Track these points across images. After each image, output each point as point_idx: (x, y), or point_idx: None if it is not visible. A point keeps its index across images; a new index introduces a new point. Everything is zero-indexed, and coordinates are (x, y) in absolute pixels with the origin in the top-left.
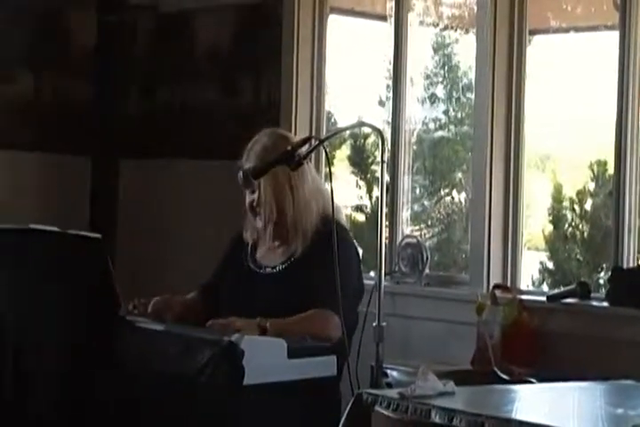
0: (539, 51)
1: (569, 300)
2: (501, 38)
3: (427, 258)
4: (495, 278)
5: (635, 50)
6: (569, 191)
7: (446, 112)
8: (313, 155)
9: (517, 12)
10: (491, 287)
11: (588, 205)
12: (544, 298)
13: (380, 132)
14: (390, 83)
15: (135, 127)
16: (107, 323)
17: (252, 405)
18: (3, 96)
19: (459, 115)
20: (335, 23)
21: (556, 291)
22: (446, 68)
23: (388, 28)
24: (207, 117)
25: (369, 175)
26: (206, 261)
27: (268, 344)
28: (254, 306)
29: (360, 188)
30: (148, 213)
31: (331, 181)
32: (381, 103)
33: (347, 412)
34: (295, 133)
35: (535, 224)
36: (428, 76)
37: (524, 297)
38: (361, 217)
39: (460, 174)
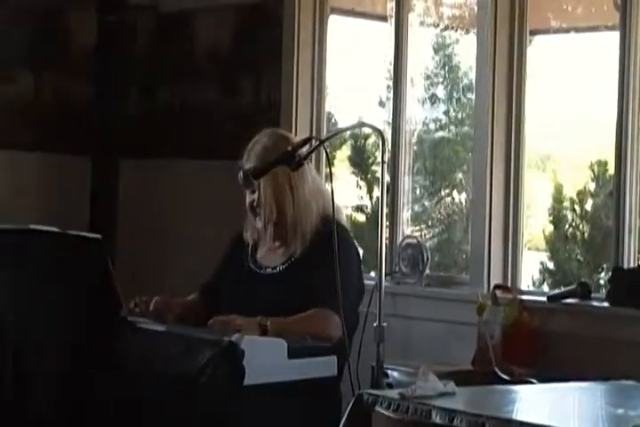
0: (539, 51)
1: (569, 300)
2: (502, 39)
3: (427, 258)
4: (496, 279)
5: (635, 50)
6: (569, 191)
7: (447, 112)
8: (313, 155)
9: (518, 12)
10: (491, 288)
11: (588, 206)
12: (544, 298)
13: (380, 133)
14: (391, 83)
15: (135, 127)
16: (107, 323)
17: (253, 405)
18: (3, 96)
19: (459, 115)
20: (335, 24)
21: (557, 291)
22: (447, 68)
23: (388, 29)
24: (207, 117)
25: (369, 176)
26: (206, 261)
27: (268, 344)
28: (254, 306)
29: (360, 188)
30: (148, 213)
31: (331, 182)
32: (382, 104)
33: (347, 412)
34: (295, 134)
35: (535, 224)
36: (428, 77)
37: (525, 297)
38: (361, 217)
39: (460, 175)
